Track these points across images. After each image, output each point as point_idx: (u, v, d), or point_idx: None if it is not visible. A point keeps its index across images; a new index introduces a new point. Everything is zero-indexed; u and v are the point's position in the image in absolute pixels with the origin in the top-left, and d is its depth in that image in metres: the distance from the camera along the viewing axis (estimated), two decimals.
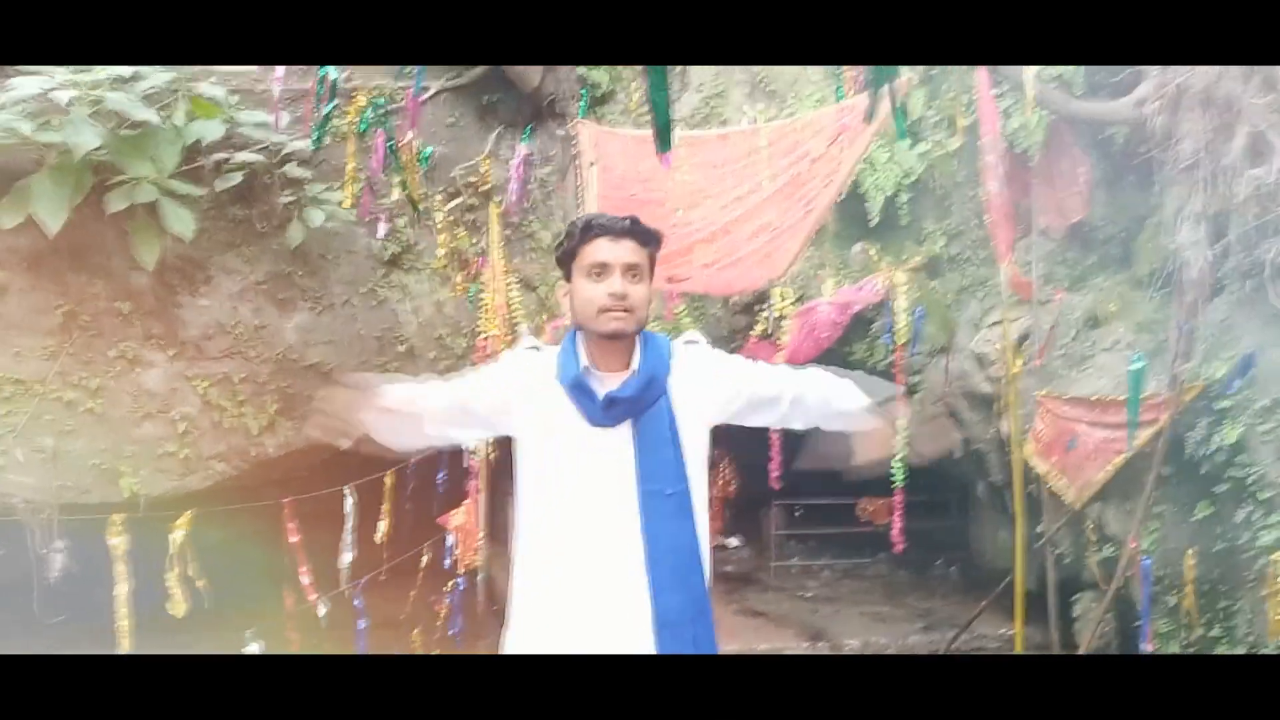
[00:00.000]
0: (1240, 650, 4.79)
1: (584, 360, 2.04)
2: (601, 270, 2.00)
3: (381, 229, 6.54)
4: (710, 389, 2.11)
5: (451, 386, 2.17)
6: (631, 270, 2.02)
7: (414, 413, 2.12)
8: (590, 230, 2.04)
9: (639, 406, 1.99)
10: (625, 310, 1.99)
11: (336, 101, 5.25)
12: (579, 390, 2.00)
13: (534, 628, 2.04)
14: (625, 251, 2.01)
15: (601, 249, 2.01)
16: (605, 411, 1.99)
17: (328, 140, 5.74)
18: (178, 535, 3.50)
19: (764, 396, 2.17)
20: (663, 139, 2.39)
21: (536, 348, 2.20)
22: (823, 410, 2.23)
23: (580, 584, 1.98)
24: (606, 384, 2.02)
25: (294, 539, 4.21)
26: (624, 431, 1.99)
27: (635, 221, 2.05)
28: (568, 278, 2.11)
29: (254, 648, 3.05)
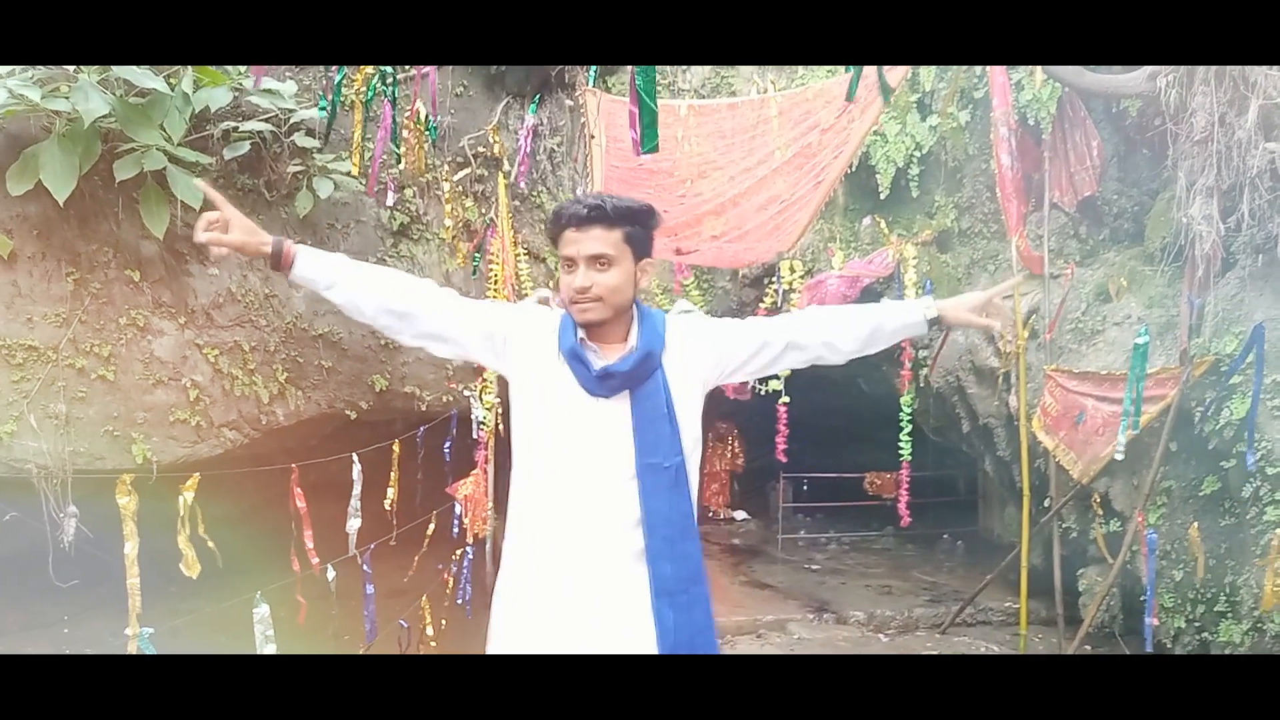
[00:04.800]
0: (1245, 625, 4.80)
1: (580, 333, 2.06)
2: (570, 263, 2.02)
3: (390, 197, 6.55)
4: (700, 354, 2.14)
5: (455, 300, 2.15)
6: (598, 260, 1.99)
7: (412, 293, 2.08)
8: (559, 221, 2.03)
9: (634, 380, 2.02)
10: (592, 300, 2.00)
11: (345, 71, 5.25)
12: (575, 360, 2.03)
13: (526, 596, 2.06)
14: (591, 241, 1.99)
15: (569, 241, 2.01)
16: (600, 383, 2.01)
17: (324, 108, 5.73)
18: (187, 497, 3.53)
19: (752, 345, 2.17)
20: (648, 138, 2.39)
21: (548, 301, 2.25)
22: (847, 336, 2.20)
23: (578, 552, 2.01)
24: (603, 357, 2.05)
25: (300, 505, 4.24)
26: (621, 404, 2.02)
27: (600, 206, 2.00)
28: None
29: (263, 610, 3.10)
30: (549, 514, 2.04)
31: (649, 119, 2.35)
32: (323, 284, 2.04)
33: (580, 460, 2.03)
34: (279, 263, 2.00)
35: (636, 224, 2.04)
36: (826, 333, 2.20)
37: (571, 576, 2.01)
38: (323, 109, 4.98)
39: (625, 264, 2.03)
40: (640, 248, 2.07)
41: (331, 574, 4.21)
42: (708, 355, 2.15)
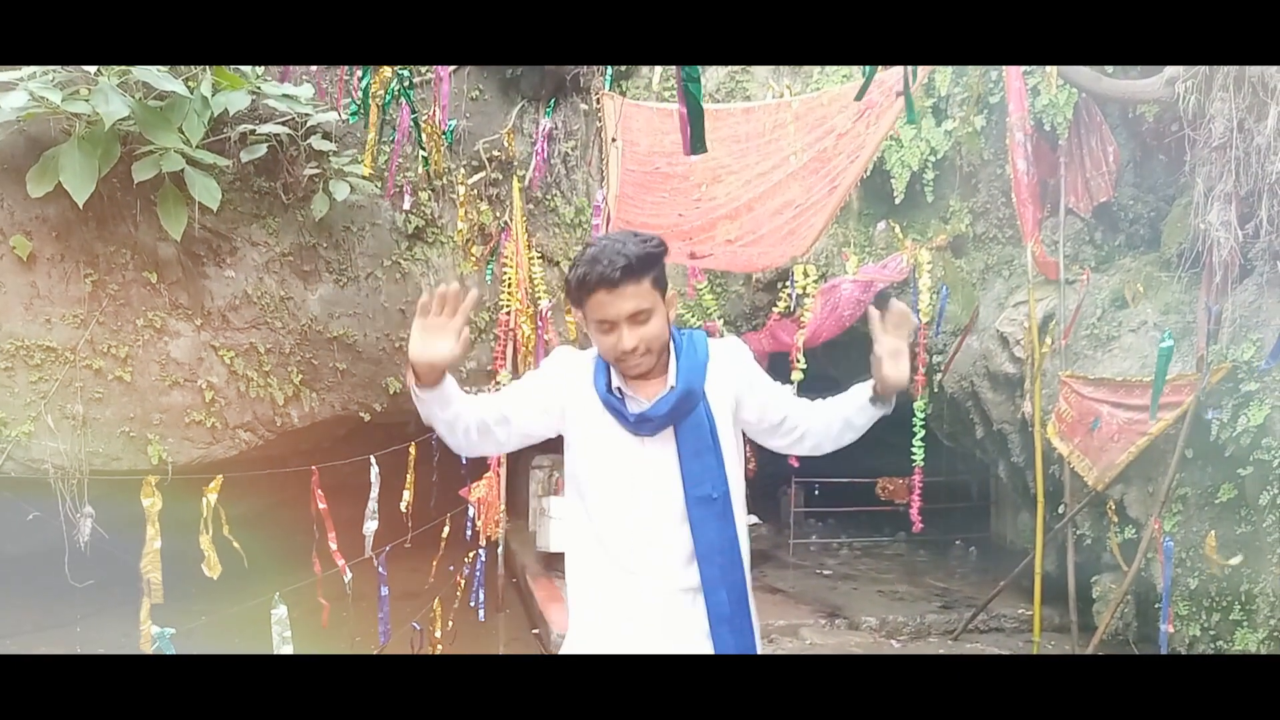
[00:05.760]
0: (1261, 634, 4.78)
1: (616, 380, 2.03)
2: (610, 326, 1.95)
3: (406, 201, 6.58)
4: (734, 393, 2.12)
5: (505, 395, 2.14)
6: (637, 316, 1.94)
7: (487, 419, 2.05)
8: (585, 286, 1.93)
9: (675, 418, 2.00)
10: (642, 355, 1.97)
11: (367, 77, 5.28)
12: (610, 408, 2.02)
13: (593, 628, 2.10)
14: (626, 300, 1.92)
15: (602, 304, 1.92)
16: (639, 427, 2.00)
17: (355, 112, 5.76)
18: (210, 499, 3.56)
19: (768, 421, 2.20)
20: (697, 139, 2.37)
21: (572, 346, 2.23)
22: (827, 432, 2.22)
23: (636, 588, 2.03)
24: (641, 399, 2.03)
25: (322, 505, 4.26)
26: (666, 440, 2.02)
27: (627, 265, 1.90)
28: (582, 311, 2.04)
29: (280, 611, 3.11)
30: (605, 552, 2.06)
31: (698, 120, 2.33)
32: (450, 399, 1.96)
33: (631, 497, 2.03)
34: (430, 383, 1.90)
35: (657, 265, 1.97)
36: (818, 428, 2.21)
37: (630, 611, 2.03)
38: (354, 114, 5.01)
39: (660, 308, 1.98)
40: (664, 285, 2.00)
41: (348, 576, 4.22)
42: (749, 402, 2.15)
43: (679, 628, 2.02)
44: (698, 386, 2.02)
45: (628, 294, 1.91)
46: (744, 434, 2.22)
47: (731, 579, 2.04)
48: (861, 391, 2.17)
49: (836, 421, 2.19)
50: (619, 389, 2.03)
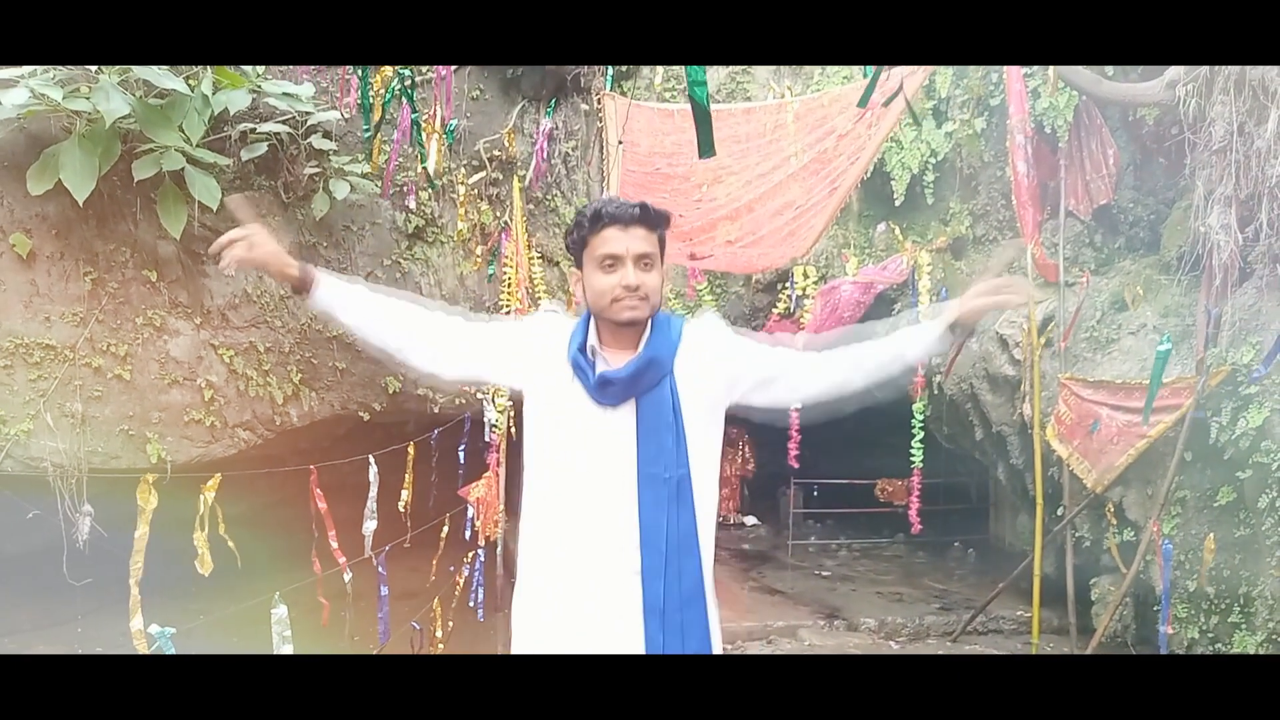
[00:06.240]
0: (1259, 636, 4.78)
1: (591, 339, 2.02)
2: (614, 262, 1.98)
3: (412, 201, 6.58)
4: (716, 370, 2.08)
5: (479, 331, 2.17)
6: (643, 259, 2.00)
7: (420, 325, 2.13)
8: (600, 220, 2.00)
9: (637, 388, 1.98)
10: (640, 299, 1.99)
11: (368, 77, 5.29)
12: (578, 369, 2.00)
13: (536, 604, 2.06)
14: (636, 240, 1.99)
15: (612, 239, 1.99)
16: (600, 391, 1.97)
17: (352, 114, 5.76)
18: (207, 497, 3.56)
19: (767, 375, 2.13)
20: (705, 143, 2.38)
21: (556, 312, 2.21)
22: (861, 372, 2.18)
23: (577, 565, 1.99)
24: (610, 364, 2.01)
25: (322, 505, 4.26)
26: (627, 413, 1.98)
27: (644, 207, 2.01)
28: (579, 265, 2.09)
29: (280, 610, 3.11)
30: (552, 524, 2.03)
31: (704, 123, 2.34)
32: (339, 312, 2.11)
33: (584, 470, 1.99)
34: (302, 287, 2.09)
35: (664, 225, 2.07)
36: (843, 366, 2.16)
37: (570, 590, 1.99)
38: (366, 131, 5.02)
39: (659, 267, 2.04)
40: (664, 250, 2.09)
41: (348, 575, 4.22)
42: (722, 372, 2.09)
43: (617, 610, 1.95)
44: (664, 357, 2.01)
45: (638, 235, 2.00)
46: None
47: (678, 570, 1.95)
48: (931, 330, 2.13)
49: (884, 355, 2.16)
50: (592, 348, 2.01)
